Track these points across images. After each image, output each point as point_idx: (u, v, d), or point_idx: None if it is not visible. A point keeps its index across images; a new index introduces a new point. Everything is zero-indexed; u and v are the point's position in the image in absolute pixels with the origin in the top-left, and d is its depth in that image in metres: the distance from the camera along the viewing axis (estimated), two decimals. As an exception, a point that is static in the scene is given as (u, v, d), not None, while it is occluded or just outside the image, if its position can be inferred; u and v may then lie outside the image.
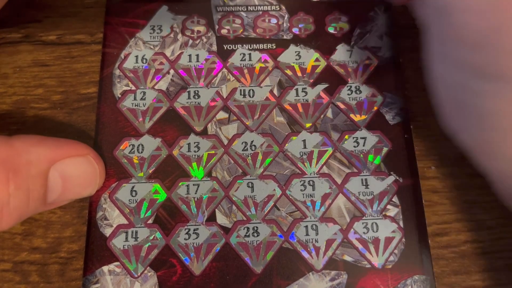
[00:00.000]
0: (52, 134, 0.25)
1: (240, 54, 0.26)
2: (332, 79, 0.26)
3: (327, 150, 0.24)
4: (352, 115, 0.25)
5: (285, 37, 0.27)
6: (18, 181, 0.19)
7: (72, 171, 0.21)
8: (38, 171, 0.20)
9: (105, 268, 0.22)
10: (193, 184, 0.23)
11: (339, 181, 0.24)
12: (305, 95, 0.25)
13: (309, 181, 0.24)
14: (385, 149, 0.24)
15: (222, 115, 0.25)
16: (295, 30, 0.27)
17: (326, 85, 0.26)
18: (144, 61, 0.26)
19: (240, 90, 0.25)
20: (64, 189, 0.21)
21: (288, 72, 0.26)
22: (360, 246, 0.23)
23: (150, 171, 0.24)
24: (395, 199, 0.23)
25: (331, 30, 0.27)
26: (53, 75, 0.26)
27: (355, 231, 0.23)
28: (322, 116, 0.25)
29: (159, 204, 0.23)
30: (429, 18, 0.21)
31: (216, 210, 0.23)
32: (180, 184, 0.23)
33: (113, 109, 0.25)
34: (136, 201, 0.23)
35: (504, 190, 0.21)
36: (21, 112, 0.25)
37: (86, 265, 0.22)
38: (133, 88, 0.25)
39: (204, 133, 0.24)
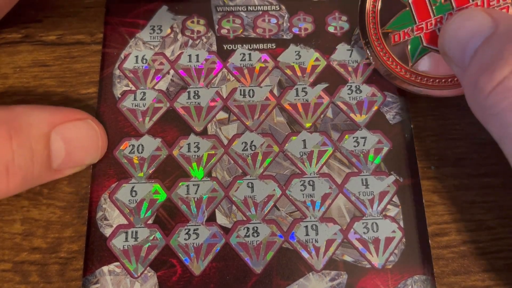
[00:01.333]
0: (52, 134, 0.25)
1: (240, 54, 0.26)
2: (332, 79, 0.26)
3: (327, 150, 0.24)
4: (352, 115, 0.25)
5: (285, 37, 0.27)
6: (21, 139, 0.19)
7: (73, 134, 0.22)
8: (39, 133, 0.20)
9: (105, 268, 0.22)
10: (193, 184, 0.23)
11: (339, 181, 0.24)
12: (305, 95, 0.25)
13: (309, 181, 0.24)
14: (385, 149, 0.24)
15: (222, 115, 0.25)
16: (295, 30, 0.27)
17: (326, 85, 0.25)
18: (144, 61, 0.26)
19: (240, 90, 0.25)
20: (67, 153, 0.21)
21: (288, 72, 0.26)
22: (360, 246, 0.23)
23: (150, 171, 0.24)
24: (395, 199, 0.23)
25: (331, 29, 0.27)
26: (53, 75, 0.26)
27: (355, 231, 0.23)
28: (322, 116, 0.25)
29: (159, 204, 0.23)
30: None
31: (216, 210, 0.23)
32: (180, 184, 0.23)
33: (113, 109, 0.25)
34: (136, 201, 0.23)
35: None
36: (21, 112, 0.25)
37: (86, 265, 0.22)
38: (133, 88, 0.25)
39: (204, 133, 0.24)
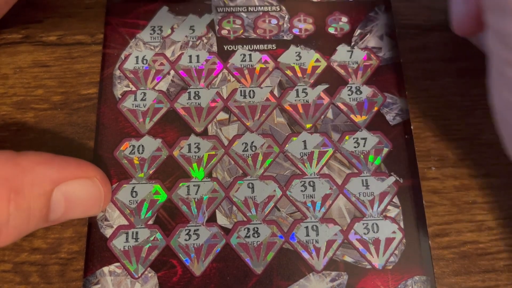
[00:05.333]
0: (52, 135, 0.25)
1: (241, 55, 0.26)
2: (332, 80, 0.26)
3: (327, 151, 0.24)
4: (352, 116, 0.25)
5: (285, 37, 0.27)
6: (20, 201, 0.19)
7: (76, 193, 0.21)
8: (41, 192, 0.20)
9: (106, 269, 0.22)
10: (194, 185, 0.23)
11: (339, 181, 0.24)
12: (305, 96, 0.25)
13: (309, 181, 0.24)
14: (385, 150, 0.24)
15: (222, 115, 0.25)
16: (295, 30, 0.27)
17: (327, 86, 0.26)
18: (145, 61, 0.26)
19: (241, 90, 0.25)
20: (66, 210, 0.21)
21: (289, 72, 0.26)
22: (360, 247, 0.23)
23: (151, 172, 0.24)
24: (395, 199, 0.23)
25: (331, 30, 0.27)
26: (53, 75, 0.26)
27: (355, 231, 0.23)
28: (322, 116, 0.25)
29: (160, 205, 0.23)
30: (493, 48, 0.19)
31: (217, 210, 0.23)
32: (180, 184, 0.23)
33: (113, 110, 0.25)
34: (136, 202, 0.23)
35: None
36: (21, 113, 0.25)
37: (86, 266, 0.22)
38: (134, 88, 0.25)
39: (204, 134, 0.24)
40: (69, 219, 0.22)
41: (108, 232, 0.23)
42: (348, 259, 0.22)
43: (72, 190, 0.21)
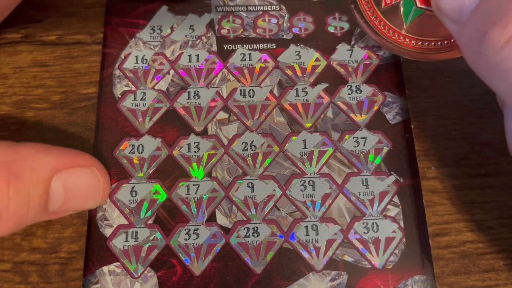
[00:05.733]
0: (52, 134, 0.25)
1: (240, 54, 0.26)
2: (332, 79, 0.26)
3: (327, 150, 0.24)
4: (352, 115, 0.25)
5: (285, 37, 0.27)
6: (19, 185, 0.19)
7: (75, 181, 0.21)
8: (40, 178, 0.20)
9: (105, 269, 0.22)
10: (193, 185, 0.23)
11: (339, 181, 0.24)
12: (305, 95, 0.25)
13: (309, 181, 0.24)
14: (385, 149, 0.24)
15: (222, 115, 0.25)
16: (295, 30, 0.27)
17: (326, 85, 0.25)
18: (144, 61, 0.26)
19: (240, 90, 0.25)
20: (66, 199, 0.21)
21: (288, 72, 0.26)
22: (360, 246, 0.23)
23: (150, 172, 0.24)
24: (395, 199, 0.23)
25: (331, 29, 0.27)
26: (53, 75, 0.26)
27: (355, 231, 0.23)
28: (322, 116, 0.25)
29: (159, 205, 0.23)
30: None
31: (216, 210, 0.23)
32: (180, 184, 0.23)
33: (113, 110, 0.25)
34: (136, 202, 0.23)
35: None
36: (21, 113, 0.25)
37: (86, 266, 0.22)
38: (133, 88, 0.25)
39: (204, 133, 0.24)
40: (68, 212, 0.22)
41: (107, 232, 0.23)
42: (348, 258, 0.22)
43: (71, 178, 0.21)
